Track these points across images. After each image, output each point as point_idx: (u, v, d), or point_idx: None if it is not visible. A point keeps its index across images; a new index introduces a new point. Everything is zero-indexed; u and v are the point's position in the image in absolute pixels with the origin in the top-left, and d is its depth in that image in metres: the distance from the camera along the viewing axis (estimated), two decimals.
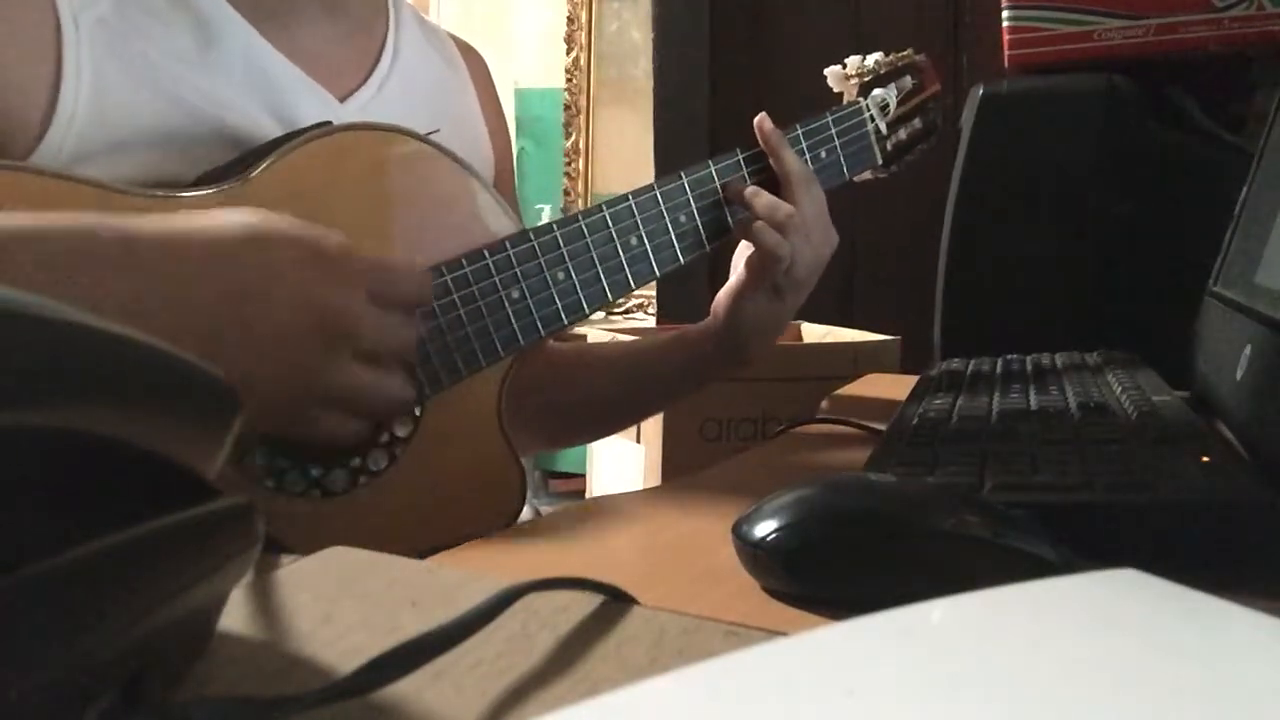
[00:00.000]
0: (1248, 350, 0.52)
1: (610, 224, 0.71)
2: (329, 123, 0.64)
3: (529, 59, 3.02)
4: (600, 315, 2.83)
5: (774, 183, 0.76)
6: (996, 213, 0.94)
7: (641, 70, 2.74)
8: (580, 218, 0.71)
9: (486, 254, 0.67)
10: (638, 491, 0.59)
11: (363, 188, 0.65)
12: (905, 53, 0.86)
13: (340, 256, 0.55)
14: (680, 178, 0.74)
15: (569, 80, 2.98)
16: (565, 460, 2.88)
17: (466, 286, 0.66)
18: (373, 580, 0.35)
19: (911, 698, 0.15)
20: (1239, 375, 0.53)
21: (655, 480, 1.39)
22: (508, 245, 0.68)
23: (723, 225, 0.76)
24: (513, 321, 0.67)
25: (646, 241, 0.73)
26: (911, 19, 2.08)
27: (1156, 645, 0.18)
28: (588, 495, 1.80)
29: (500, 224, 0.69)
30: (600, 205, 0.72)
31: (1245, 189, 0.68)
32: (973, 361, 0.81)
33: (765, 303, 0.77)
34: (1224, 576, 0.28)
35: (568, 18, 2.96)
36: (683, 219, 0.74)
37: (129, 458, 0.22)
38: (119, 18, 0.63)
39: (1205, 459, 0.44)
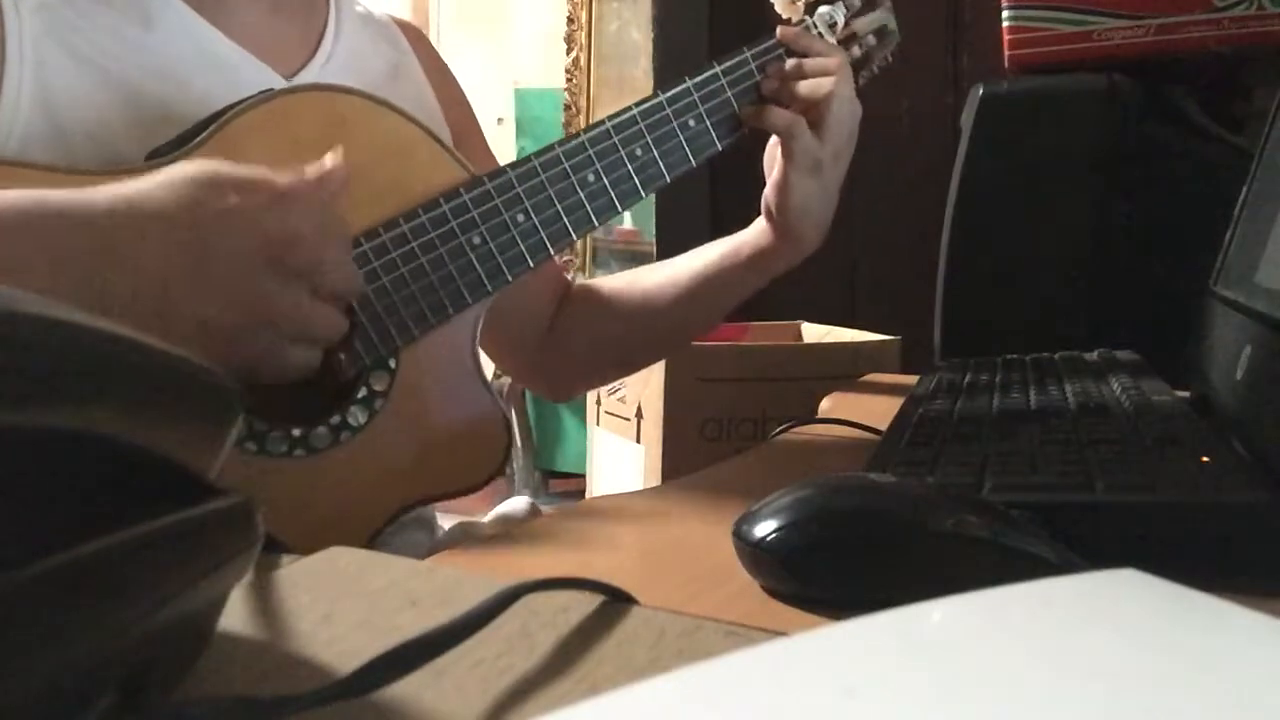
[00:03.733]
0: (1248, 350, 0.52)
1: (564, 160, 0.71)
2: (271, 89, 0.65)
3: (529, 59, 3.02)
4: None
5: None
6: (996, 213, 0.94)
7: (641, 70, 2.74)
8: (534, 158, 0.71)
9: (442, 201, 0.67)
10: (638, 491, 0.59)
11: (310, 149, 0.64)
12: None
13: (287, 191, 0.56)
14: (631, 109, 0.74)
15: (569, 80, 2.97)
16: (565, 460, 2.88)
17: (425, 234, 0.66)
18: (373, 580, 0.35)
19: (911, 698, 0.15)
20: (1239, 375, 0.53)
21: (655, 480, 1.39)
22: (463, 192, 0.67)
23: (682, 159, 0.76)
24: (477, 267, 0.67)
25: (604, 177, 0.72)
26: (911, 19, 2.08)
27: (1156, 645, 0.18)
28: (588, 495, 1.80)
29: (452, 173, 0.69)
30: (553, 144, 0.71)
31: (1245, 189, 0.68)
32: (973, 361, 0.81)
33: (811, 182, 0.78)
34: (1224, 576, 0.28)
35: (568, 18, 2.96)
36: (639, 153, 0.74)
37: (129, 457, 0.22)
38: (62, 2, 0.63)
39: (1205, 459, 0.44)
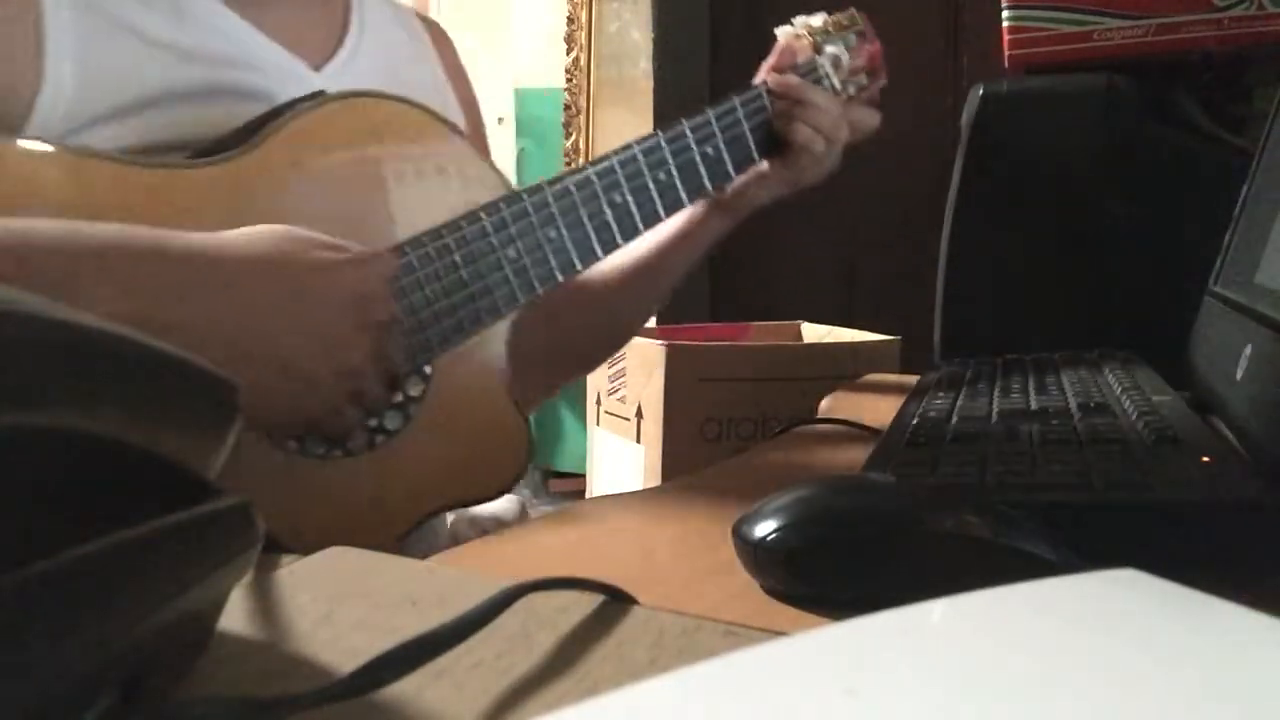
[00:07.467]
0: (1248, 350, 0.52)
1: (596, 181, 0.74)
2: (322, 92, 0.66)
3: (529, 59, 3.02)
4: None
5: (765, 144, 0.82)
6: (996, 213, 0.94)
7: (641, 70, 2.73)
8: (568, 177, 0.73)
9: (483, 215, 0.69)
10: (638, 491, 0.59)
11: (360, 155, 0.67)
12: (849, 12, 0.91)
13: (365, 256, 0.59)
14: (657, 135, 0.77)
15: (569, 80, 2.97)
16: (565, 460, 2.88)
17: (465, 246, 0.68)
18: (373, 580, 0.35)
19: (912, 697, 0.15)
20: (1239, 375, 0.53)
21: (655, 480, 1.39)
22: (503, 206, 0.70)
23: (699, 185, 0.79)
24: (511, 280, 0.70)
25: (630, 199, 0.75)
26: (911, 19, 2.08)
27: (1156, 645, 0.18)
28: (588, 495, 1.80)
29: (492, 185, 0.72)
30: (586, 165, 0.74)
31: (1245, 189, 0.68)
32: (973, 361, 0.81)
33: (778, 189, 0.84)
34: (1224, 576, 0.28)
35: (568, 18, 2.96)
36: (662, 177, 0.77)
37: (129, 458, 0.22)
38: None
39: (1205, 459, 0.44)
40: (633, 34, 2.89)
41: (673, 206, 0.78)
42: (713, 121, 0.79)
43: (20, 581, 0.18)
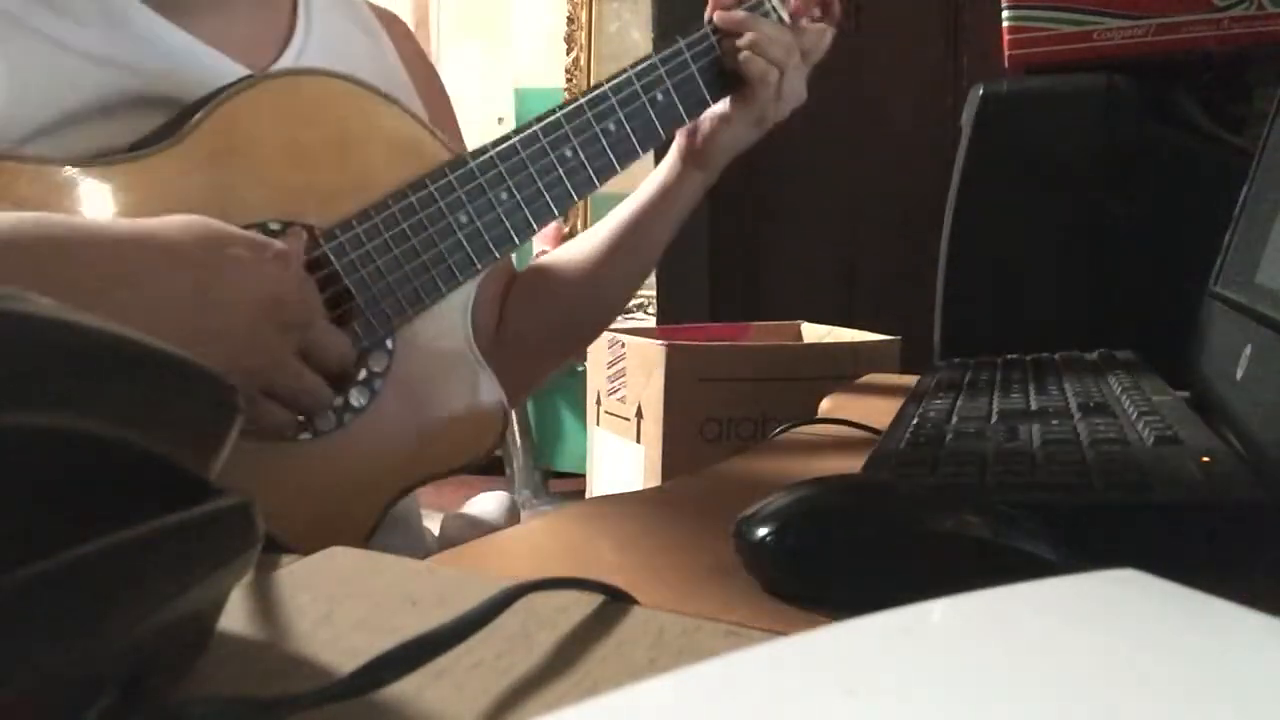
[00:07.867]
0: (1248, 350, 0.52)
1: (542, 138, 0.73)
2: (252, 75, 0.65)
3: (529, 59, 3.02)
4: None
5: (718, 84, 0.81)
6: (996, 213, 0.94)
7: None
8: (513, 136, 0.72)
9: (429, 182, 0.68)
10: (638, 491, 0.59)
11: (296, 133, 0.66)
12: None
13: (285, 252, 0.58)
14: (603, 85, 0.76)
15: (569, 80, 2.98)
16: (565, 460, 2.88)
17: (414, 215, 0.67)
18: (373, 580, 0.35)
19: (911, 698, 0.15)
20: (1239, 375, 0.53)
21: (655, 480, 1.39)
22: (448, 171, 0.69)
23: (652, 133, 0.78)
24: (465, 246, 0.69)
25: (581, 153, 0.74)
26: (911, 19, 2.08)
27: (1156, 645, 0.18)
28: (588, 495, 1.80)
29: (437, 153, 0.70)
30: (530, 121, 0.73)
31: (1245, 189, 0.68)
32: (973, 361, 0.81)
33: (745, 130, 0.83)
34: (1224, 576, 0.28)
35: (568, 18, 2.96)
36: (611, 128, 0.76)
37: (129, 458, 0.22)
38: (20, 5, 0.62)
39: (1205, 459, 0.44)
40: (633, 34, 2.89)
41: (627, 156, 0.76)
42: (659, 66, 0.78)
43: (20, 581, 0.18)
